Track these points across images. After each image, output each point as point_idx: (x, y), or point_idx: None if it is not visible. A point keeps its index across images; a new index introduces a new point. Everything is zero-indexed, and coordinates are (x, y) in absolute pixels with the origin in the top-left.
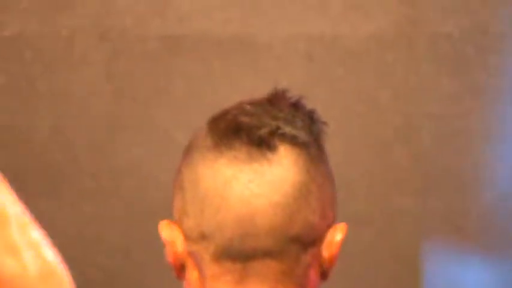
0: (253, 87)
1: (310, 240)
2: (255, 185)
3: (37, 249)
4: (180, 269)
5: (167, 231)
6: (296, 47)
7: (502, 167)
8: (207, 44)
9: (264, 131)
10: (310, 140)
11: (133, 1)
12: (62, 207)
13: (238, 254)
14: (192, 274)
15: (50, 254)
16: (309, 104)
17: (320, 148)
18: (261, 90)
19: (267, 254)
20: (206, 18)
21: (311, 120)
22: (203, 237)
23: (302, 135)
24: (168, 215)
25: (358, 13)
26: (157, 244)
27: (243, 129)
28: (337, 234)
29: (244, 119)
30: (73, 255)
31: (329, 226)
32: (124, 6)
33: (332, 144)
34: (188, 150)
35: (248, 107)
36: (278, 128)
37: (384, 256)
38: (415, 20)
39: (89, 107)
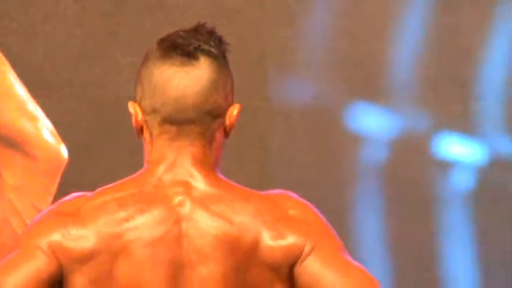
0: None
1: (217, 114)
2: (185, 80)
3: (42, 120)
4: (140, 131)
5: (132, 107)
6: None
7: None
8: None
9: (191, 48)
10: (219, 54)
11: None
12: (51, 104)
13: (175, 121)
14: (146, 134)
15: (49, 125)
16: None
17: (225, 59)
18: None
19: (192, 121)
20: None
21: (220, 42)
22: (154, 111)
23: (214, 51)
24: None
25: None
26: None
27: (178, 47)
28: (234, 110)
29: (179, 40)
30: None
31: (230, 105)
32: None
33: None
34: (145, 59)
35: (182, 33)
36: (199, 46)
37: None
38: None
39: (61, 43)
